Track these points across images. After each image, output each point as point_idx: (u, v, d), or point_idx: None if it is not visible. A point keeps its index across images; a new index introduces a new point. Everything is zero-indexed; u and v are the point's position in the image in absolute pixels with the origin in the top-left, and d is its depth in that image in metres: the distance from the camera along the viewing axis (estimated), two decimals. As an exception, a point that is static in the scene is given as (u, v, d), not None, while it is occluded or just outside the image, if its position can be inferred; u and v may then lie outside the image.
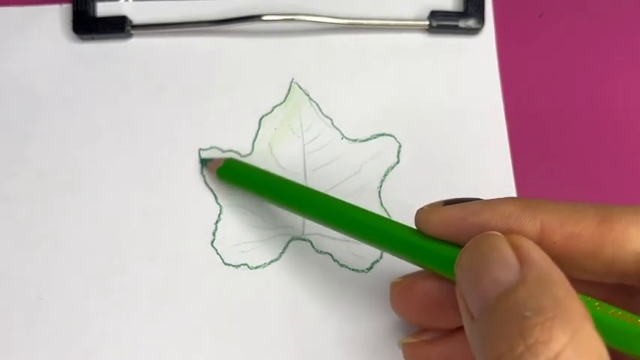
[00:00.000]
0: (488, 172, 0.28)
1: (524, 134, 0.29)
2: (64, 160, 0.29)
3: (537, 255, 0.17)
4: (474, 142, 0.29)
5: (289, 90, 0.30)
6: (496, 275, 0.17)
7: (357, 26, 0.30)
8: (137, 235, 0.28)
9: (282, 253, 0.28)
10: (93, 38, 0.30)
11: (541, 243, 0.18)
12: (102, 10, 0.30)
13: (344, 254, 0.28)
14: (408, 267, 0.23)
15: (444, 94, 0.29)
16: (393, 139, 0.29)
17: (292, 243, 0.28)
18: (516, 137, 0.29)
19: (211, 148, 0.29)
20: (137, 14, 0.30)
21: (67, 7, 0.30)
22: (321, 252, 0.28)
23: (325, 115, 0.29)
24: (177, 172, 0.29)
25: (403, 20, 0.30)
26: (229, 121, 0.29)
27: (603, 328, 0.16)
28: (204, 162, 0.29)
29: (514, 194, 0.28)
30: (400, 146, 0.29)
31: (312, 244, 0.28)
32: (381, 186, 0.28)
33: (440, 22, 0.29)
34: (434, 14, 0.29)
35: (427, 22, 0.29)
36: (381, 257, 0.28)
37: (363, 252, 0.28)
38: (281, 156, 0.29)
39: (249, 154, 0.29)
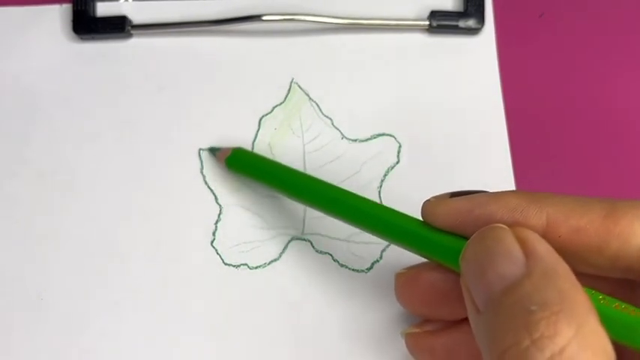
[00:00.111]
0: (489, 172, 0.28)
1: (524, 134, 0.29)
2: (64, 160, 0.29)
3: (543, 248, 0.17)
4: (474, 142, 0.29)
5: (289, 90, 0.30)
6: (501, 268, 0.17)
7: (357, 26, 0.30)
8: (137, 235, 0.28)
9: (282, 253, 0.28)
10: (93, 38, 0.30)
11: (546, 236, 0.18)
12: (102, 10, 0.30)
13: (344, 254, 0.28)
14: (408, 265, 0.24)
15: (444, 94, 0.29)
16: (393, 139, 0.29)
17: (292, 243, 0.28)
18: (516, 137, 0.29)
19: (211, 148, 0.29)
20: (137, 14, 0.30)
21: (67, 7, 0.30)
22: (321, 252, 0.28)
23: (325, 115, 0.29)
24: (177, 172, 0.29)
25: (403, 20, 0.30)
26: (229, 121, 0.29)
27: (607, 321, 0.16)
28: (212, 151, 0.29)
29: (514, 194, 0.28)
30: (400, 146, 0.29)
31: (312, 244, 0.28)
32: (381, 186, 0.28)
33: (440, 22, 0.29)
34: (434, 14, 0.29)
35: (427, 22, 0.29)
36: (381, 257, 0.28)
37: (363, 252, 0.28)
38: (281, 156, 0.29)
39: (250, 154, 0.29)
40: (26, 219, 0.28)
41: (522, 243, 0.17)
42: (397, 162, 0.29)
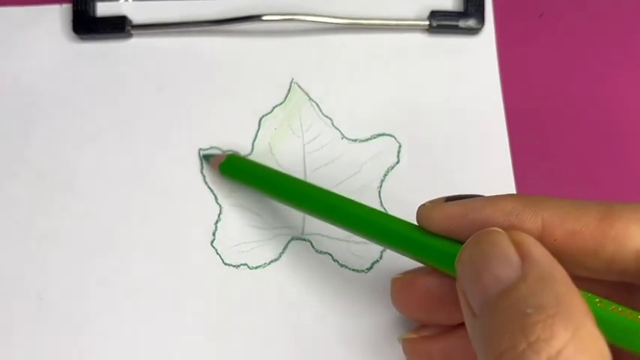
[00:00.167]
0: (489, 172, 0.28)
1: (524, 134, 0.29)
2: (64, 160, 0.29)
3: (538, 251, 0.17)
4: (474, 142, 0.29)
5: (289, 90, 0.30)
6: (497, 272, 0.17)
7: (357, 26, 0.30)
8: (137, 235, 0.28)
9: (282, 253, 0.28)
10: (93, 38, 0.30)
11: (542, 240, 0.18)
12: (102, 10, 0.30)
13: (344, 254, 0.28)
14: (408, 267, 0.23)
15: (444, 94, 0.29)
16: (393, 139, 0.29)
17: (292, 243, 0.28)
18: (516, 137, 0.29)
19: (211, 148, 0.29)
20: (137, 14, 0.30)
21: (67, 7, 0.30)
22: (321, 252, 0.28)
23: (325, 115, 0.29)
24: (177, 172, 0.29)
25: (403, 20, 0.30)
26: (229, 121, 0.29)
27: (604, 324, 0.16)
28: (206, 157, 0.29)
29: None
30: (400, 146, 0.29)
31: (312, 244, 0.28)
32: (381, 186, 0.28)
33: (440, 22, 0.29)
34: (434, 14, 0.29)
35: (427, 22, 0.29)
36: (380, 257, 0.28)
37: (363, 252, 0.28)
38: (281, 156, 0.29)
39: (249, 154, 0.29)
40: (26, 219, 0.28)
41: (518, 246, 0.17)
42: (397, 162, 0.29)
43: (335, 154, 0.29)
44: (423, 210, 0.21)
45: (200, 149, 0.29)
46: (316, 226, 0.28)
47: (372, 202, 0.28)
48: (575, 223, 0.18)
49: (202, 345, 0.27)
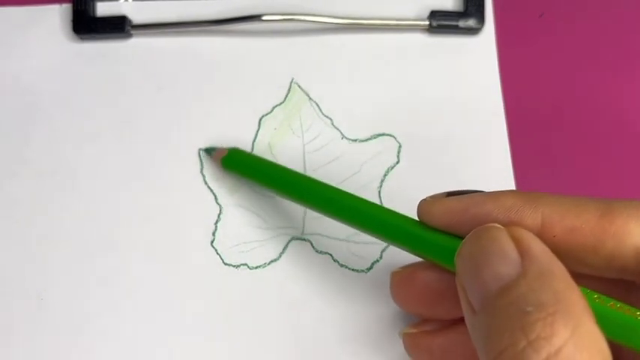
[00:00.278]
0: (489, 172, 0.28)
1: (524, 134, 0.29)
2: (64, 160, 0.29)
3: (538, 248, 0.17)
4: (473, 142, 0.29)
5: (289, 90, 0.30)
6: (496, 268, 0.17)
7: (357, 26, 0.30)
8: (137, 235, 0.28)
9: (282, 253, 0.28)
10: (93, 38, 0.30)
11: (541, 236, 0.18)
12: (102, 10, 0.30)
13: (344, 254, 0.28)
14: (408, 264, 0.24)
15: (444, 94, 0.29)
16: (393, 139, 0.29)
17: (292, 243, 0.28)
18: (516, 137, 0.29)
19: (212, 146, 0.29)
20: (137, 14, 0.30)
21: (67, 7, 0.30)
22: (321, 252, 0.28)
23: (325, 115, 0.29)
24: (177, 172, 0.29)
25: (403, 20, 0.30)
26: (229, 121, 0.29)
27: (602, 320, 0.16)
28: (208, 151, 0.29)
29: (514, 194, 0.28)
30: (400, 146, 0.29)
31: (312, 244, 0.28)
32: (381, 186, 0.28)
33: (440, 22, 0.29)
34: (434, 14, 0.29)
35: (427, 22, 0.29)
36: (380, 257, 0.28)
37: (363, 252, 0.28)
38: (281, 156, 0.29)
39: (250, 154, 0.29)
40: (26, 219, 0.28)
41: (517, 242, 0.18)
42: (397, 162, 0.29)
43: (335, 154, 0.29)
44: (423, 204, 0.21)
45: (200, 149, 0.29)
46: (316, 226, 0.28)
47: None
48: (575, 220, 0.18)
49: (202, 345, 0.27)
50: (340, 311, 0.27)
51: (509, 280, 0.17)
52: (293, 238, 0.28)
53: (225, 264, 0.28)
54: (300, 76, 0.30)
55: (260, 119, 0.29)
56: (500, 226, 0.18)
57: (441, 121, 0.29)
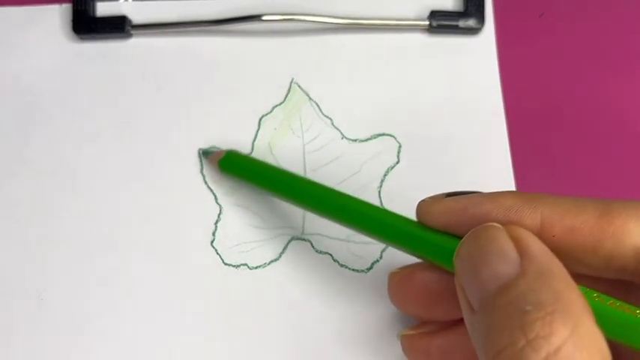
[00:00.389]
0: (489, 172, 0.28)
1: (524, 134, 0.29)
2: (64, 160, 0.29)
3: (537, 247, 0.17)
4: (473, 142, 0.29)
5: (289, 90, 0.30)
6: (495, 268, 0.17)
7: (357, 26, 0.30)
8: (137, 235, 0.28)
9: (282, 253, 0.28)
10: (93, 38, 0.30)
11: (541, 236, 0.18)
12: (102, 10, 0.30)
13: (344, 254, 0.28)
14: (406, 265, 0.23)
15: (444, 94, 0.29)
16: (393, 139, 0.29)
17: (292, 243, 0.28)
18: (516, 137, 0.29)
19: (211, 147, 0.29)
20: (137, 14, 0.30)
21: (67, 7, 0.30)
22: (321, 252, 0.28)
23: (325, 115, 0.29)
24: (177, 172, 0.29)
25: (403, 20, 0.30)
26: (229, 121, 0.29)
27: (601, 319, 0.16)
28: (205, 154, 0.29)
29: (514, 194, 0.28)
30: (400, 146, 0.29)
31: (312, 244, 0.28)
32: (381, 186, 0.28)
33: (440, 22, 0.29)
34: (434, 14, 0.29)
35: (427, 22, 0.29)
36: (380, 257, 0.28)
37: (363, 252, 0.28)
38: (281, 156, 0.29)
39: (249, 154, 0.29)
40: (26, 219, 0.28)
41: (516, 242, 0.18)
42: (397, 162, 0.29)
43: (335, 154, 0.29)
44: (422, 205, 0.21)
45: (200, 149, 0.29)
46: (316, 226, 0.28)
47: (372, 202, 0.28)
48: (574, 220, 0.18)
49: (202, 345, 0.27)
50: (340, 311, 0.27)
51: (509, 279, 0.17)
52: (293, 238, 0.28)
53: (225, 264, 0.28)
54: (300, 76, 0.30)
55: (260, 119, 0.29)
56: (499, 226, 0.18)
57: (441, 121, 0.29)
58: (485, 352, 0.16)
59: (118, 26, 0.30)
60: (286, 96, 0.29)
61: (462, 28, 0.29)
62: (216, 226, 0.28)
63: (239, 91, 0.29)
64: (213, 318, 0.27)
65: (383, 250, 0.28)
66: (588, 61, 0.30)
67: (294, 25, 0.30)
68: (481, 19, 0.29)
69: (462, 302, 0.18)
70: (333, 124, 0.29)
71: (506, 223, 0.19)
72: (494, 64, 0.30)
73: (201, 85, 0.30)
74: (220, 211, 0.28)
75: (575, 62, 0.30)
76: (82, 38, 0.30)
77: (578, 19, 0.30)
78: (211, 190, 0.28)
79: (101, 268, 0.28)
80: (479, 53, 0.30)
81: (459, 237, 0.19)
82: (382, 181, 0.28)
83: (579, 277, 0.17)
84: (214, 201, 0.28)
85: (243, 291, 0.27)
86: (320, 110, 0.29)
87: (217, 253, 0.28)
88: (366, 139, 0.29)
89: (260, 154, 0.29)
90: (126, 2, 0.31)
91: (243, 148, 0.29)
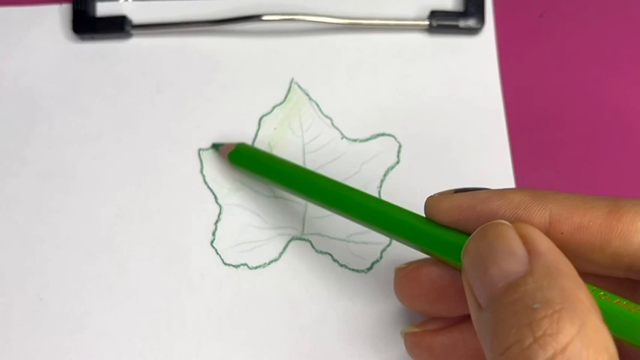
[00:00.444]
0: (489, 172, 0.28)
1: (524, 134, 0.29)
2: (64, 160, 0.29)
3: (545, 245, 0.17)
4: (473, 142, 0.29)
5: (289, 90, 0.30)
6: (504, 265, 0.17)
7: (357, 26, 0.30)
8: (137, 235, 0.28)
9: (282, 253, 0.28)
10: (93, 38, 0.30)
11: (549, 233, 0.18)
12: (102, 10, 0.30)
13: (344, 254, 0.28)
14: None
15: (444, 94, 0.29)
16: (393, 139, 0.29)
17: (292, 243, 0.28)
18: (516, 137, 0.29)
19: (214, 144, 0.29)
20: (137, 14, 0.30)
21: (67, 7, 0.30)
22: (321, 252, 0.28)
23: (325, 115, 0.29)
24: (177, 172, 0.29)
25: (403, 20, 0.30)
26: (229, 120, 0.29)
27: (608, 317, 0.16)
28: (215, 146, 0.29)
29: (514, 194, 0.28)
30: (400, 146, 0.29)
31: (312, 244, 0.28)
32: (381, 186, 0.28)
33: (440, 22, 0.29)
34: (434, 14, 0.29)
35: (427, 22, 0.29)
36: (381, 257, 0.28)
37: (363, 252, 0.28)
38: (281, 156, 0.29)
39: (250, 153, 0.29)
40: (26, 219, 0.28)
41: (525, 239, 0.18)
42: (397, 162, 0.29)
43: (335, 154, 0.29)
44: (431, 200, 0.21)
45: (200, 149, 0.29)
46: (316, 226, 0.28)
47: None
48: (583, 217, 0.18)
49: (202, 345, 0.27)
50: (340, 311, 0.27)
51: (517, 276, 0.17)
52: (293, 238, 0.28)
53: (225, 264, 0.28)
54: (300, 76, 0.30)
55: (260, 119, 0.29)
56: (508, 223, 0.18)
57: (441, 121, 0.29)
58: (493, 349, 0.16)
59: (118, 26, 0.30)
60: (286, 96, 0.29)
61: (462, 28, 0.29)
62: (216, 226, 0.28)
63: (239, 91, 0.29)
64: (213, 318, 0.27)
65: (383, 250, 0.28)
66: (588, 60, 0.30)
67: (294, 25, 0.30)
68: (481, 19, 0.29)
69: (470, 299, 0.18)
70: (333, 124, 0.29)
71: (515, 220, 0.19)
72: (494, 64, 0.30)
73: (201, 85, 0.30)
74: (220, 211, 0.28)
75: (576, 62, 0.30)
76: (82, 38, 0.30)
77: (578, 19, 0.30)
78: (211, 190, 0.28)
79: (101, 268, 0.28)
80: (479, 53, 0.30)
81: (467, 233, 0.19)
82: (382, 181, 0.29)
83: (587, 276, 0.18)
84: (214, 201, 0.28)
85: (243, 291, 0.27)
86: (320, 110, 0.29)
87: (217, 253, 0.28)
88: (366, 139, 0.29)
89: (263, 149, 0.29)
90: (126, 2, 0.31)
91: (244, 147, 0.29)
